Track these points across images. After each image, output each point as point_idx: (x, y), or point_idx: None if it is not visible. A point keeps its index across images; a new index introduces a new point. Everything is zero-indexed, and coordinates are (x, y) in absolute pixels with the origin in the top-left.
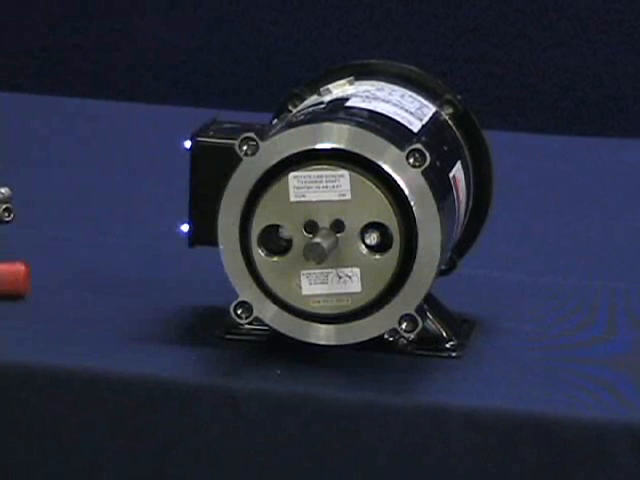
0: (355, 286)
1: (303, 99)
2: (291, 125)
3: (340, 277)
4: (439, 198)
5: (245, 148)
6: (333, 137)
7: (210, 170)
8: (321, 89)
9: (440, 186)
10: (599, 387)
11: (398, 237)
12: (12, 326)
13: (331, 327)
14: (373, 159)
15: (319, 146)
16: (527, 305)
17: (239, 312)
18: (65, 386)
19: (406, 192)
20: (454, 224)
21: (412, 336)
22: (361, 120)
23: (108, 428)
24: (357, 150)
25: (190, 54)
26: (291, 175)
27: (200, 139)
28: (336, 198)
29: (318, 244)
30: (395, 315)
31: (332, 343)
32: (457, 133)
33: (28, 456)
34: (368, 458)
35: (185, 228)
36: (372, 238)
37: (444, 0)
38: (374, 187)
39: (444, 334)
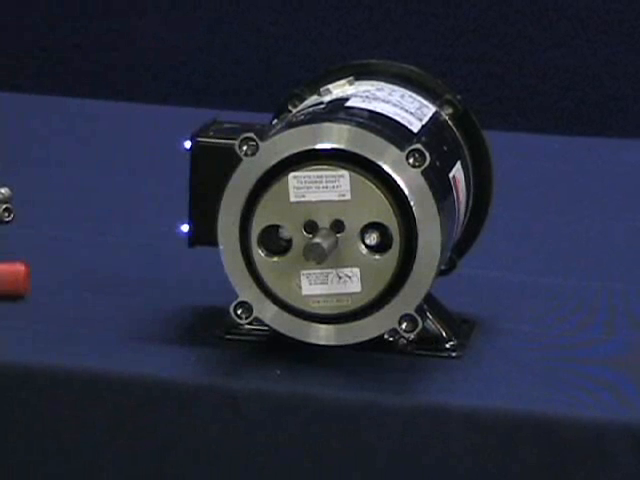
0: (355, 286)
1: (303, 99)
2: (291, 125)
3: (340, 277)
4: (439, 198)
5: (245, 148)
6: (333, 137)
7: (210, 170)
8: (321, 89)
9: (440, 186)
10: (599, 387)
11: (398, 237)
12: (12, 326)
13: (331, 327)
14: (373, 159)
15: (319, 146)
16: (527, 305)
17: (239, 312)
18: (65, 386)
19: (406, 192)
20: (454, 224)
21: (412, 336)
22: (361, 120)
23: (108, 428)
24: (357, 150)
25: (190, 54)
26: (291, 175)
27: (200, 139)
28: (336, 198)
29: (318, 244)
30: (395, 315)
31: (332, 343)
32: (457, 133)
33: (28, 456)
34: (368, 458)
35: (185, 228)
36: (372, 238)
37: (444, 0)
38: (374, 187)
39: (444, 334)
